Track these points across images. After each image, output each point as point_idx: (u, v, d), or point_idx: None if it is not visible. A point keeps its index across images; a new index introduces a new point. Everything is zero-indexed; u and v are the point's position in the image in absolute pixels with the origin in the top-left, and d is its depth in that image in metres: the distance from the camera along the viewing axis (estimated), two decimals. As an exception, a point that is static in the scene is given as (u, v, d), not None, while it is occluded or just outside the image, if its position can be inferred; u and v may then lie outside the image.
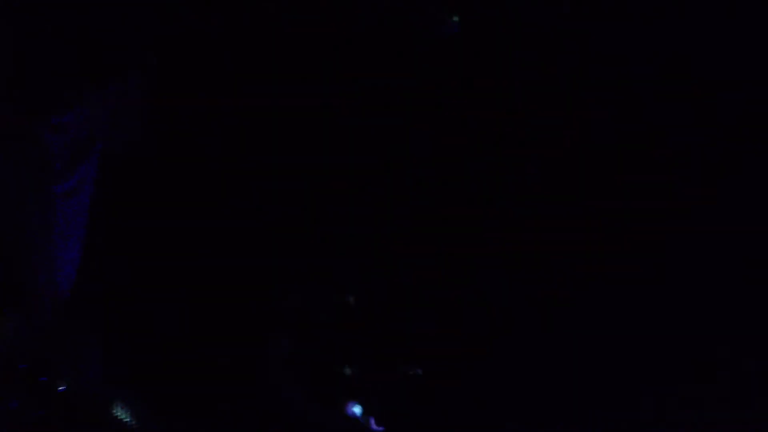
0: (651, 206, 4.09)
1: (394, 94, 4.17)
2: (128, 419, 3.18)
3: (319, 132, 4.26)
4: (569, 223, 4.20)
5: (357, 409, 3.79)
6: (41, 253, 2.76)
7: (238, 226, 4.27)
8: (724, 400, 3.80)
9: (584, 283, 4.11)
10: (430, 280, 4.21)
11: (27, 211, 2.73)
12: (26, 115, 2.77)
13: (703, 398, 3.89)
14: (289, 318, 4.04)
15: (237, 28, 4.06)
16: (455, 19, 3.97)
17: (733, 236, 3.93)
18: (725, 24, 3.76)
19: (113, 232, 3.79)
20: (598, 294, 4.08)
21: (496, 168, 4.23)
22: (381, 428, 3.73)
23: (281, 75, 4.21)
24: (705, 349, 3.93)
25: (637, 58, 3.91)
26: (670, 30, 3.84)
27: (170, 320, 4.08)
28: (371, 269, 4.17)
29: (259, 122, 4.25)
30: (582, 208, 4.19)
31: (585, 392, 3.98)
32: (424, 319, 4.18)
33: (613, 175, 4.16)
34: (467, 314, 4.21)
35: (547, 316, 4.21)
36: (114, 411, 3.07)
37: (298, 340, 4.00)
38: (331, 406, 3.82)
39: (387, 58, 4.14)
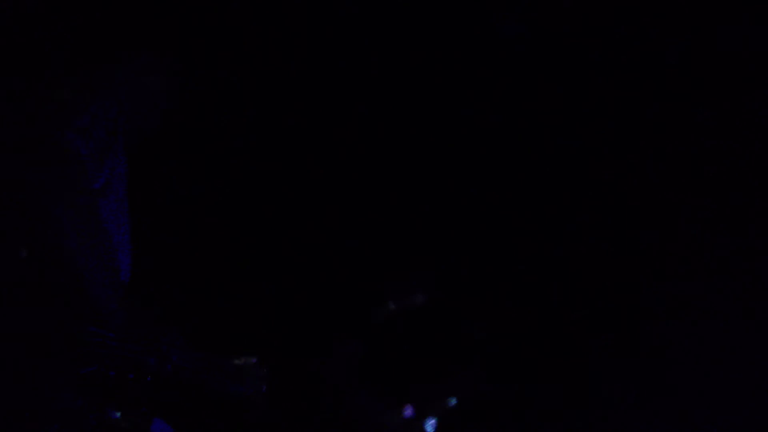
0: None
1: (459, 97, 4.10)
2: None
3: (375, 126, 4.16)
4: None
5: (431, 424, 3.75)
6: (91, 253, 2.79)
7: (297, 218, 4.18)
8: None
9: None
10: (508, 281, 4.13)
11: (66, 216, 2.77)
12: (47, 121, 2.82)
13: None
14: (357, 318, 4.00)
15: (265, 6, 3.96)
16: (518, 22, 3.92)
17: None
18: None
19: (161, 221, 3.74)
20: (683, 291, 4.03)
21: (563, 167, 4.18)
22: None
23: (322, 60, 4.09)
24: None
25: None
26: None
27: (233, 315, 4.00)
28: (445, 268, 4.10)
29: (304, 106, 4.12)
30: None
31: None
32: (496, 323, 4.08)
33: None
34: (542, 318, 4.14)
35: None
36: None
37: (366, 342, 3.96)
38: (397, 410, 3.78)
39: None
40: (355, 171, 4.18)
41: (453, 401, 3.84)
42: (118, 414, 2.75)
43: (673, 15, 3.89)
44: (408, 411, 3.79)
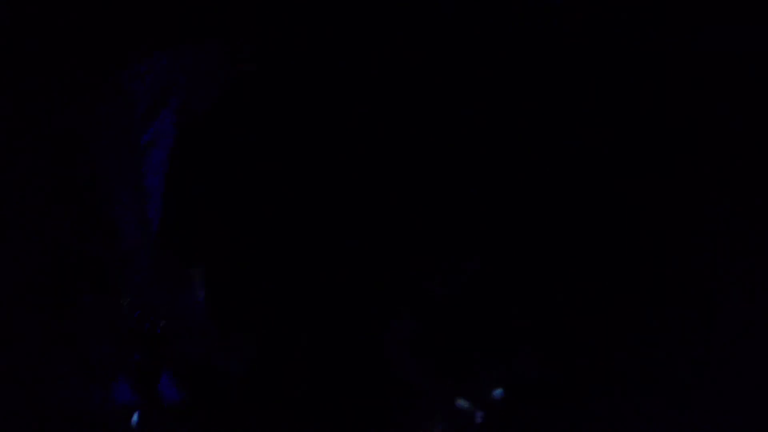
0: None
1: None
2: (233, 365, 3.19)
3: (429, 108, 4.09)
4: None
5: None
6: (129, 205, 2.77)
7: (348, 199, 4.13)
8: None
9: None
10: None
11: (112, 161, 2.74)
12: (106, 63, 2.78)
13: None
14: (413, 298, 3.92)
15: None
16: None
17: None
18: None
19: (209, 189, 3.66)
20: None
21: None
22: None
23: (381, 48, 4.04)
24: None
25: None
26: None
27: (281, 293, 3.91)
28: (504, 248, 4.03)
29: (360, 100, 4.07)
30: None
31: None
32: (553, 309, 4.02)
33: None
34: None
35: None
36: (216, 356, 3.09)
37: (423, 323, 3.88)
38: (453, 392, 3.75)
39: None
40: (403, 153, 4.18)
41: (505, 383, 3.86)
42: (137, 354, 2.77)
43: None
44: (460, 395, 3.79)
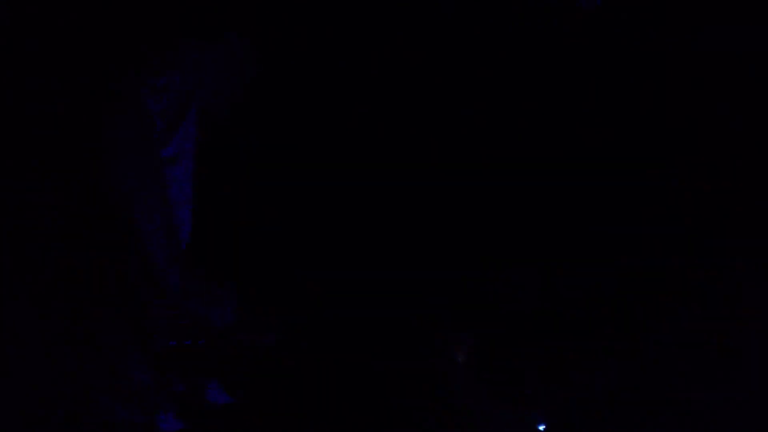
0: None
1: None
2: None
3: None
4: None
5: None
6: (155, 221, 2.72)
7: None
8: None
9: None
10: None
11: (134, 179, 2.69)
12: (126, 77, 2.74)
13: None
14: (472, 313, 3.88)
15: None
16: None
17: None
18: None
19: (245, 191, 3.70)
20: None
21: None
22: None
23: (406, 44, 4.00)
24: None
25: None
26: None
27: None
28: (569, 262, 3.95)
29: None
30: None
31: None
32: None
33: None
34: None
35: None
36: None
37: (481, 337, 3.81)
38: (511, 409, 3.70)
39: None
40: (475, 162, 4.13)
41: (565, 402, 3.80)
42: (181, 385, 2.75)
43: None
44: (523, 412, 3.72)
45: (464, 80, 4.10)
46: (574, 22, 3.99)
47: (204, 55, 2.82)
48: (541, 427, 3.70)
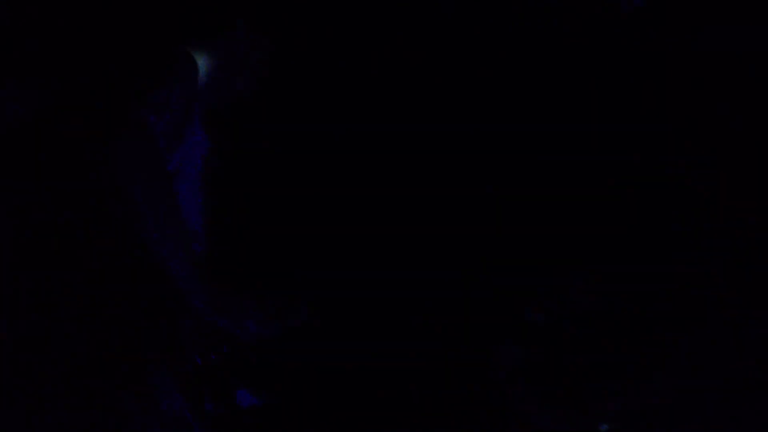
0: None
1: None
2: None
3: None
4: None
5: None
6: (169, 234, 2.69)
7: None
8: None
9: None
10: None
11: (142, 195, 2.65)
12: (125, 98, 2.71)
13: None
14: (522, 324, 3.83)
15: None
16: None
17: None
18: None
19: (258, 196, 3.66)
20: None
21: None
22: None
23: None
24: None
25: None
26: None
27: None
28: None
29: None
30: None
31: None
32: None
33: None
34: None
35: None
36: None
37: (531, 349, 3.80)
38: (560, 417, 3.66)
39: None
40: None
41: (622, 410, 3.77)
42: (210, 404, 2.75)
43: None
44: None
45: (464, 80, 4.10)
46: (572, 21, 3.99)
47: (205, 58, 2.79)
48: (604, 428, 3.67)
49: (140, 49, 2.82)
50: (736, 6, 3.88)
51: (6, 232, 2.62)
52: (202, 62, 2.83)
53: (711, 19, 3.90)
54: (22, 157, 2.64)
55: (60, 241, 2.59)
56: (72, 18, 2.89)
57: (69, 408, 2.55)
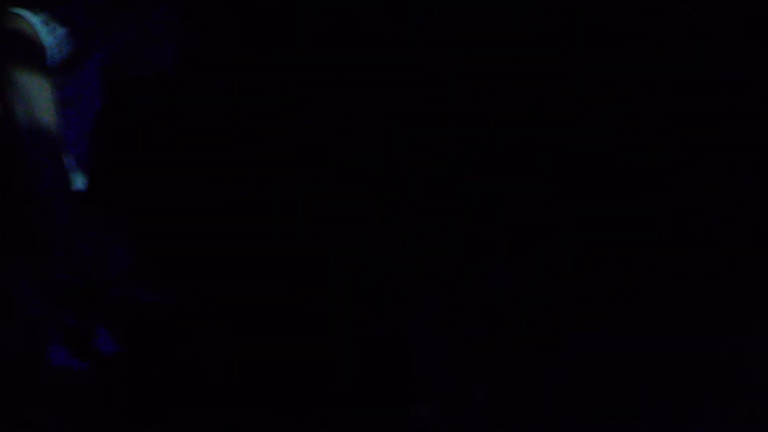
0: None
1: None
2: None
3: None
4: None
5: None
6: (49, 153, 2.73)
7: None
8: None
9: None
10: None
11: (29, 113, 2.71)
12: (19, 10, 2.61)
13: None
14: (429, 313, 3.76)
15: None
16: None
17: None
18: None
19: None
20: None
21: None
22: None
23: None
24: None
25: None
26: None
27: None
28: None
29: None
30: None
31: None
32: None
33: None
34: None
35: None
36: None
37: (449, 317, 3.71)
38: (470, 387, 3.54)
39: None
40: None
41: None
42: (73, 319, 2.74)
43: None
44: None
45: (464, 80, 4.11)
46: (572, 21, 3.98)
47: (116, 11, 2.81)
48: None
49: None
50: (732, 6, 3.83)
51: None
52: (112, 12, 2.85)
53: (711, 19, 3.84)
54: None
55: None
56: None
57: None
